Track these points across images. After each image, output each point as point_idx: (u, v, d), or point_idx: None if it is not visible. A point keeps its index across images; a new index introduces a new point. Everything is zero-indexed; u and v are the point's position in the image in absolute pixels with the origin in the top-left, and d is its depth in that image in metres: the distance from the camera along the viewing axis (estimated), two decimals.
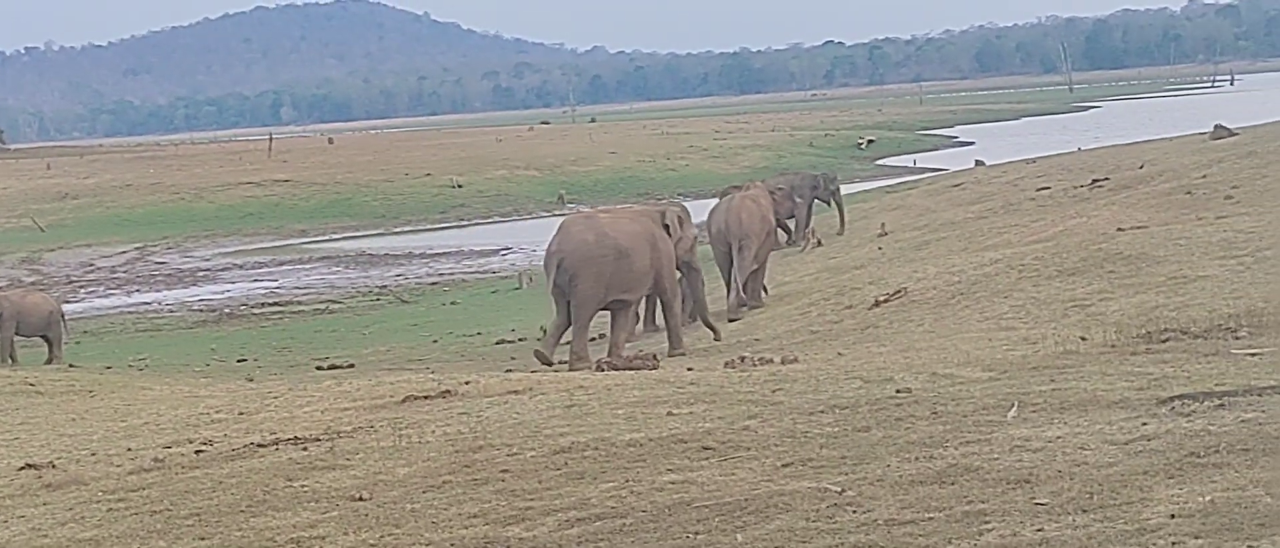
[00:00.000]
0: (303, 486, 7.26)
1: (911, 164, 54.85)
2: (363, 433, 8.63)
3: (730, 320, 18.16)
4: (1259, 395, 6.97)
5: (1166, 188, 21.93)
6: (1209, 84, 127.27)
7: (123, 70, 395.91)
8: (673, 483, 6.47)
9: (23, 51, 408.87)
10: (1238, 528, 4.96)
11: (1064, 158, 34.73)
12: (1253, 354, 8.80)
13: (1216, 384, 7.59)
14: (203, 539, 6.43)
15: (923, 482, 6.03)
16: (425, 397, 9.78)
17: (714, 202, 20.66)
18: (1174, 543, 4.90)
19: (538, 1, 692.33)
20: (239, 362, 19.43)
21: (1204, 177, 22.25)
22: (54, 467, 8.62)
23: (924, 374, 9.10)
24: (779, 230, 23.34)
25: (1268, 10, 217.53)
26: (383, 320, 24.19)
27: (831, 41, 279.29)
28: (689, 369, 11.94)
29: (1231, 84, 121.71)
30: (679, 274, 16.85)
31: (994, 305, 14.21)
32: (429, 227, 44.63)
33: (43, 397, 13.38)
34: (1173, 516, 5.18)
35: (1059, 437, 6.62)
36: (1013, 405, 7.41)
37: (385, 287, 29.75)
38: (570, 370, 14.06)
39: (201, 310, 27.79)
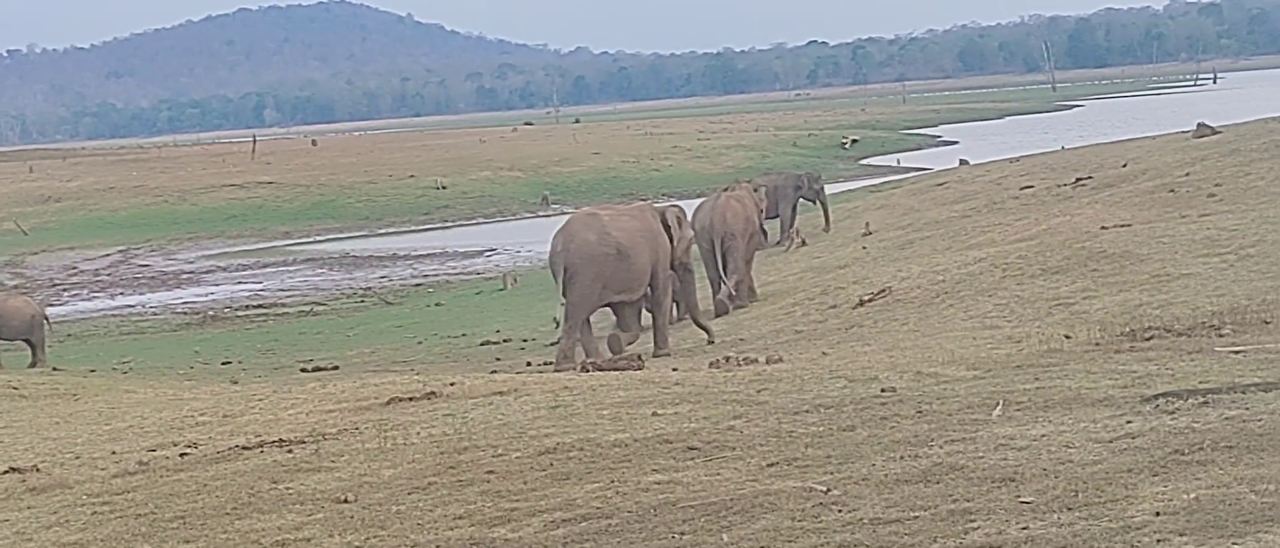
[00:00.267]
0: (288, 488, 7.24)
1: (895, 163, 54.90)
2: (348, 435, 8.62)
3: (716, 315, 18.25)
4: (1243, 393, 6.98)
5: (1150, 186, 21.97)
6: (1192, 83, 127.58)
7: (105, 73, 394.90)
8: (658, 483, 6.47)
9: (5, 54, 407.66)
10: (1222, 525, 4.96)
11: (1047, 157, 34.76)
12: (1236, 352, 8.82)
13: (1200, 382, 7.61)
14: (188, 543, 6.42)
15: (908, 481, 6.03)
16: (410, 398, 9.77)
17: (699, 201, 20.72)
18: (1159, 541, 4.90)
19: (521, 2, 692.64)
20: (223, 364, 19.40)
21: (1187, 175, 22.29)
22: (38, 470, 8.60)
23: (909, 373, 9.11)
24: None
25: (1250, 9, 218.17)
26: (367, 322, 24.17)
27: (815, 41, 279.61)
28: (674, 370, 11.94)
29: (1214, 82, 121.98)
30: (672, 272, 16.86)
31: (978, 304, 14.22)
32: (413, 228, 44.62)
33: (26, 400, 13.35)
34: (1157, 513, 5.19)
35: (1044, 435, 6.63)
36: (997, 404, 7.42)
37: (369, 289, 29.73)
38: (556, 371, 14.06)
39: (186, 313, 27.75)
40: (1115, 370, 8.36)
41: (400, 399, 9.78)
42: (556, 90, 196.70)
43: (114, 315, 28.27)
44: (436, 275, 31.44)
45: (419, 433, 8.35)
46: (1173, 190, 20.99)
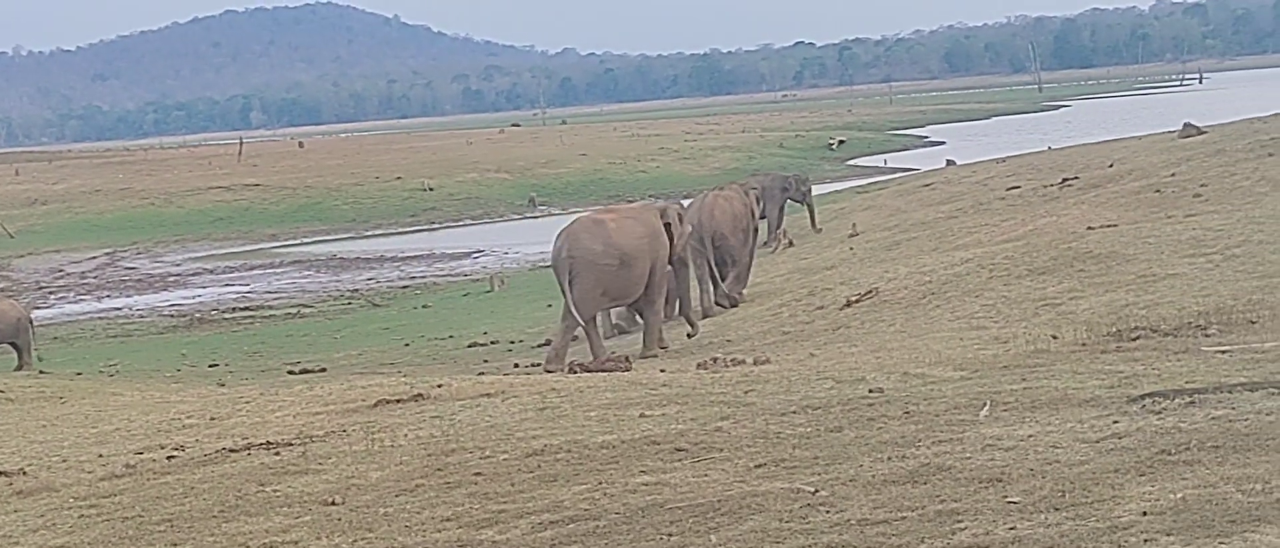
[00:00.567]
0: (275, 490, 7.24)
1: (882, 164, 54.95)
2: (335, 437, 8.61)
3: (705, 315, 18.29)
4: (1229, 393, 7.00)
5: (1136, 186, 21.99)
6: (1177, 83, 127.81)
7: (91, 75, 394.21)
8: (646, 485, 6.47)
9: None
10: (1209, 525, 4.98)
11: (1034, 157, 34.80)
12: (1222, 352, 8.84)
13: (1187, 382, 7.62)
14: (175, 545, 6.42)
15: (895, 481, 6.04)
16: (397, 400, 9.76)
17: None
18: (1146, 541, 4.91)
19: (508, 4, 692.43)
20: (210, 367, 19.37)
21: (1173, 175, 22.32)
22: (25, 474, 8.58)
23: (896, 374, 9.12)
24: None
25: (1235, 9, 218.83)
26: (354, 324, 24.14)
27: (801, 42, 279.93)
28: (661, 371, 11.94)
29: (1200, 83, 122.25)
30: (670, 268, 16.86)
31: (965, 305, 14.23)
32: (400, 230, 44.58)
33: (13, 404, 13.30)
34: (1144, 513, 5.20)
35: (1031, 435, 6.64)
36: (985, 405, 7.43)
37: (356, 290, 29.69)
38: (545, 372, 14.06)
39: (172, 316, 27.69)
40: (1102, 371, 8.38)
41: (387, 401, 9.78)
42: (543, 92, 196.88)
43: (100, 318, 28.20)
44: (423, 277, 31.42)
45: (406, 435, 8.35)
46: (1159, 191, 21.01)
